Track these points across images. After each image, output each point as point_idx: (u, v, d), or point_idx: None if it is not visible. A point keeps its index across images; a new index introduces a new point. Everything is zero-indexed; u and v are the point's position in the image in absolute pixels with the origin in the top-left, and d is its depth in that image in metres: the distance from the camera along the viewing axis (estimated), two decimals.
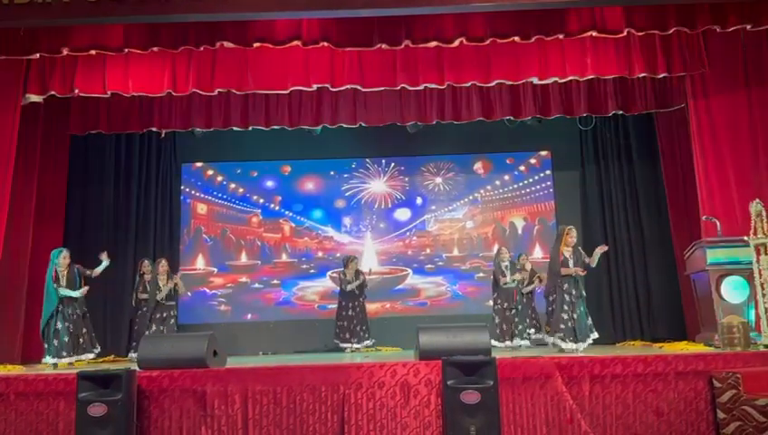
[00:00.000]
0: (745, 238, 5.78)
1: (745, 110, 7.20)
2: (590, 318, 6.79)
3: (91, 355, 6.96)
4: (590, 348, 6.68)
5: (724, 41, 7.15)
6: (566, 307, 6.64)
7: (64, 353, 6.56)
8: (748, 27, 6.59)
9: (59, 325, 6.59)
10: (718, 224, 6.67)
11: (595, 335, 6.77)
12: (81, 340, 6.78)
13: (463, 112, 8.31)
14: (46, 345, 6.61)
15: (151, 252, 8.85)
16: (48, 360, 6.59)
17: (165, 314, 7.74)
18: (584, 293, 6.81)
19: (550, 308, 7.28)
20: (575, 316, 6.59)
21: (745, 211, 5.95)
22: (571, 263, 6.72)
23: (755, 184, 6.92)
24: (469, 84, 7.67)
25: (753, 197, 6.02)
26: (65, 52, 6.70)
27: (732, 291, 6.15)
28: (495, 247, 8.84)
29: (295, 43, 6.72)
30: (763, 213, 5.72)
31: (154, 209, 9.55)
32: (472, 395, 4.66)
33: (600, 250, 6.76)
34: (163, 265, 7.88)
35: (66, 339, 6.59)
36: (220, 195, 9.89)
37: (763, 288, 5.60)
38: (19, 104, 7.09)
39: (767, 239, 5.62)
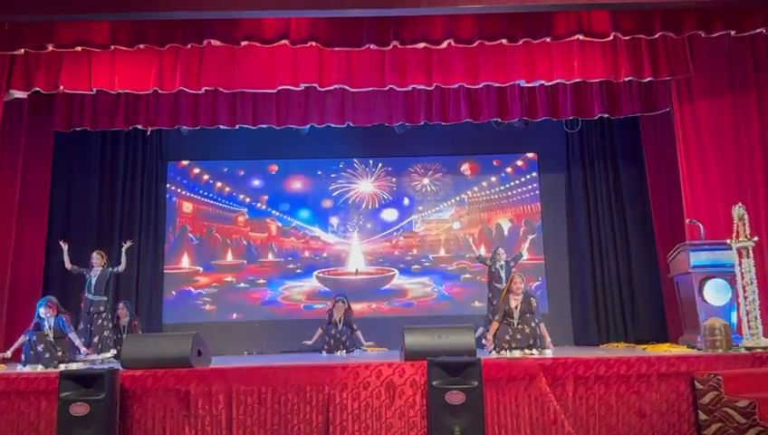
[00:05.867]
0: (728, 241, 5.84)
1: (729, 114, 7.29)
2: (540, 337, 6.18)
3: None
4: (575, 349, 6.68)
5: (710, 46, 7.24)
6: (506, 321, 6.25)
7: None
8: (732, 33, 6.66)
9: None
10: (702, 227, 6.73)
11: (548, 353, 6.04)
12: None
13: (450, 114, 8.33)
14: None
15: (136, 250, 8.77)
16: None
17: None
18: (534, 306, 6.26)
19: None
20: (520, 332, 6.14)
21: (728, 215, 6.01)
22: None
23: (738, 188, 7.01)
24: (457, 86, 7.69)
25: (737, 200, 6.10)
26: (50, 48, 6.62)
27: (714, 293, 6.21)
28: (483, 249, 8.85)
29: (283, 42, 6.70)
30: (746, 217, 5.79)
31: (139, 207, 9.47)
32: (457, 396, 4.68)
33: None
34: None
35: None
36: (206, 193, 9.83)
37: (745, 291, 5.66)
38: (2, 100, 6.99)
39: (749, 242, 5.69)
